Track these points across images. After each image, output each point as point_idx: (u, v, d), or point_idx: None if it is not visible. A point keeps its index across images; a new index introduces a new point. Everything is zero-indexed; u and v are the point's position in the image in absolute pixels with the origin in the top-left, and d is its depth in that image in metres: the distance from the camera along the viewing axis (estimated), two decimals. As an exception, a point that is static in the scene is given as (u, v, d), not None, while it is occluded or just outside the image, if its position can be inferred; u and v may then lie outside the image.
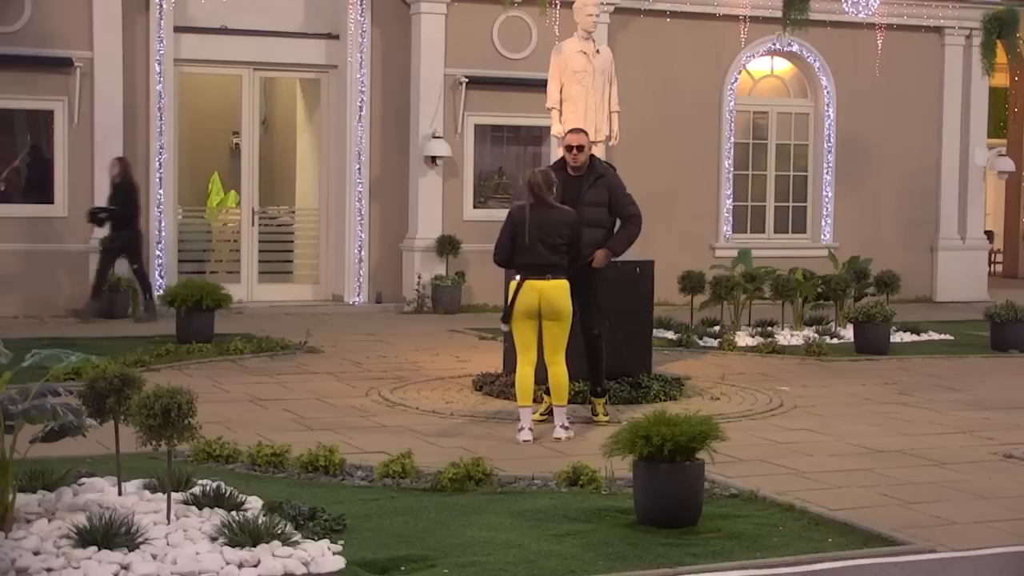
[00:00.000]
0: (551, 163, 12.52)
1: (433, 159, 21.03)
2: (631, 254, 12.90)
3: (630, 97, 18.42)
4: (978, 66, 24.39)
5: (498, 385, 13.01)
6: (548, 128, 15.66)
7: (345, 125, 21.13)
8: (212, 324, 16.09)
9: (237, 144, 22.25)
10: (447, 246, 20.95)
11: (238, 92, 21.25)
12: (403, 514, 8.21)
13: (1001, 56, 24.81)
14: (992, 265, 28.42)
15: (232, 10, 20.59)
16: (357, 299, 21.19)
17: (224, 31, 20.66)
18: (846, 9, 20.71)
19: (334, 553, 7.17)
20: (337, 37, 21.18)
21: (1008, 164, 27.04)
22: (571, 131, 12.31)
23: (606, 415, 11.81)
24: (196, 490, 7.94)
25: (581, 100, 13.55)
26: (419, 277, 21.02)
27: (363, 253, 21.21)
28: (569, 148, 11.99)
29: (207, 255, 21.78)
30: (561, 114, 13.67)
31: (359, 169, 21.15)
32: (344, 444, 10.00)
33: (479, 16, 21.38)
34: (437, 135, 21.03)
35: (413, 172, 21.31)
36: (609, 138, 13.98)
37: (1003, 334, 17.21)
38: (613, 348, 12.49)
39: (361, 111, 21.11)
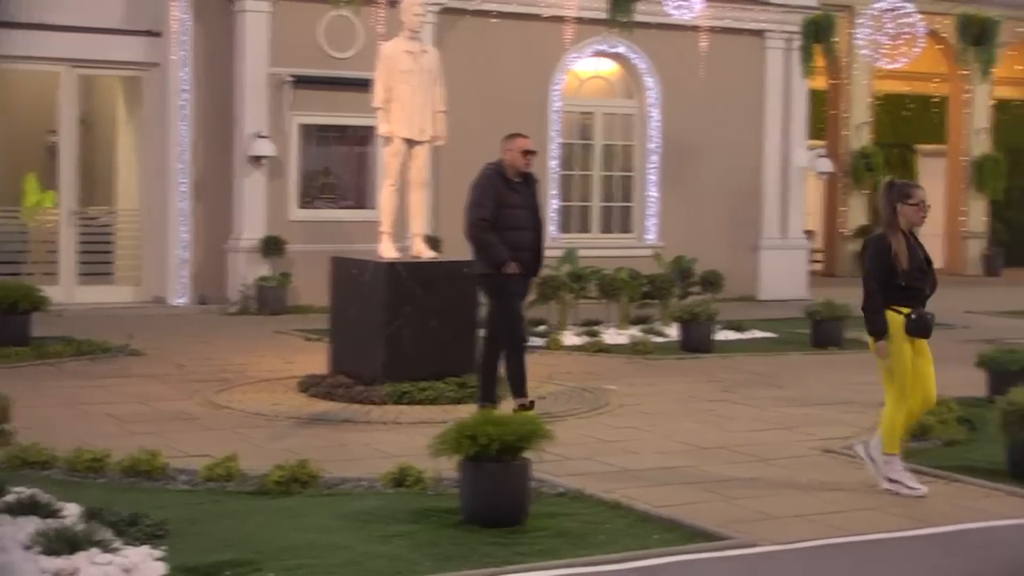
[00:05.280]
0: (489, 165, 11.88)
1: (258, 159, 20.80)
2: (457, 253, 12.89)
3: (456, 97, 18.37)
4: (798, 69, 24.87)
5: (324, 387, 12.91)
6: (375, 128, 15.57)
7: (167, 124, 20.81)
8: (29, 327, 15.67)
9: (54, 143, 21.73)
10: (272, 247, 20.74)
11: (55, 90, 20.77)
12: (228, 518, 8.09)
13: (820, 59, 25.33)
14: (812, 264, 28.95)
15: (48, 5, 20.13)
16: (180, 300, 20.87)
17: (39, 26, 20.13)
18: (670, 11, 20.93)
19: (157, 559, 7.03)
20: (159, 34, 20.83)
21: (827, 165, 27.62)
22: (519, 136, 11.90)
23: None
24: (10, 498, 7.72)
25: (408, 100, 13.49)
26: (244, 278, 20.76)
27: (186, 254, 20.90)
28: (527, 152, 11.67)
29: (23, 256, 21.25)
30: (388, 114, 13.59)
31: (182, 169, 20.84)
32: (168, 448, 9.82)
33: (304, 15, 21.20)
34: (262, 135, 20.81)
35: (237, 172, 21.06)
36: (436, 138, 13.94)
37: (823, 332, 17.55)
38: (439, 348, 12.46)
39: (184, 110, 20.79)
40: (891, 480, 9.38)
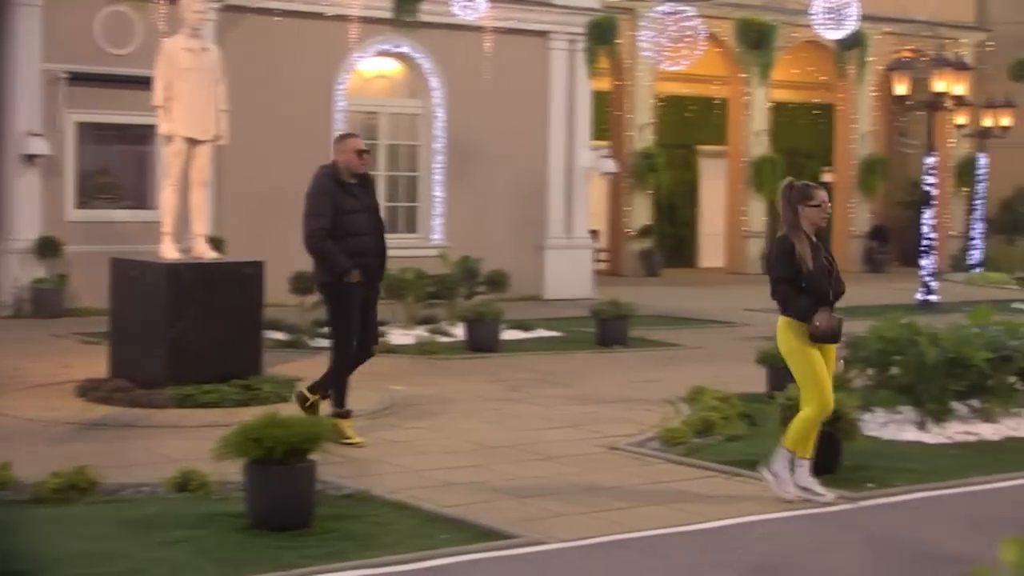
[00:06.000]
0: (323, 169, 11.34)
1: (31, 157, 20.23)
2: (240, 254, 12.71)
3: (239, 96, 18.13)
4: (582, 70, 25.13)
5: (104, 391, 12.61)
6: (156, 127, 15.26)
7: (-63, 121, 20.15)
8: None
9: None
10: (48, 248, 20.20)
11: None
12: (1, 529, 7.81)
13: (603, 61, 25.64)
14: (597, 263, 29.28)
15: None
16: (-49, 304, 20.22)
17: None
18: (455, 12, 20.93)
19: (-77, 573, 6.75)
20: (-73, 28, 20.16)
21: (611, 165, 27.95)
22: (351, 136, 11.44)
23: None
24: None
25: (189, 98, 13.28)
26: (17, 280, 20.17)
27: (-44, 256, 20.26)
28: (361, 152, 11.13)
29: None
30: (168, 113, 13.33)
31: (-49, 168, 20.20)
32: (-64, 457, 9.46)
33: (79, 9, 20.69)
34: (35, 133, 20.25)
35: (9, 171, 20.45)
36: (218, 138, 13.72)
37: (608, 331, 17.75)
38: (223, 349, 12.27)
39: (-47, 107, 20.16)
40: (801, 488, 9.06)
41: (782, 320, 9.21)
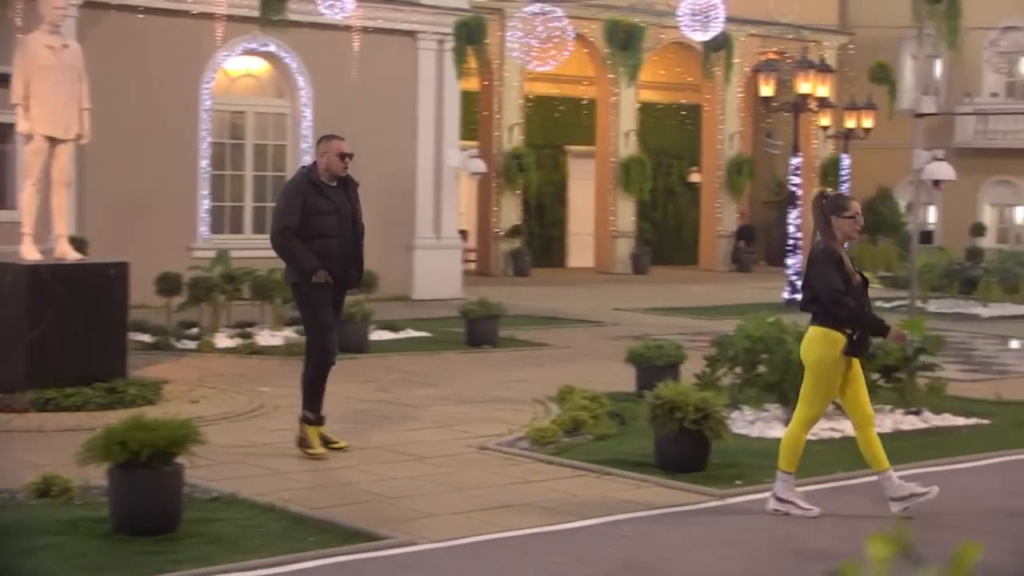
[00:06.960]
0: (302, 168, 11.26)
1: None
2: (104, 255, 12.50)
3: (102, 95, 17.82)
4: (450, 70, 25.11)
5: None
6: (14, 125, 14.94)
7: None
8: None
9: None
10: (-94, 249, 19.71)
11: None
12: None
13: (472, 61, 25.65)
14: (466, 263, 29.28)
15: None
16: None
17: None
18: (322, 11, 20.77)
19: None
20: None
21: (480, 165, 27.97)
22: (334, 138, 11.13)
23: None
24: None
25: (49, 96, 13.01)
26: None
27: None
28: (343, 156, 10.94)
29: None
30: (28, 111, 13.06)
31: None
32: None
33: (-62, 6, 20.23)
34: None
35: None
36: (80, 137, 13.47)
37: (477, 331, 17.75)
38: (86, 352, 12.05)
39: None
40: (780, 500, 8.86)
41: (818, 331, 8.85)
